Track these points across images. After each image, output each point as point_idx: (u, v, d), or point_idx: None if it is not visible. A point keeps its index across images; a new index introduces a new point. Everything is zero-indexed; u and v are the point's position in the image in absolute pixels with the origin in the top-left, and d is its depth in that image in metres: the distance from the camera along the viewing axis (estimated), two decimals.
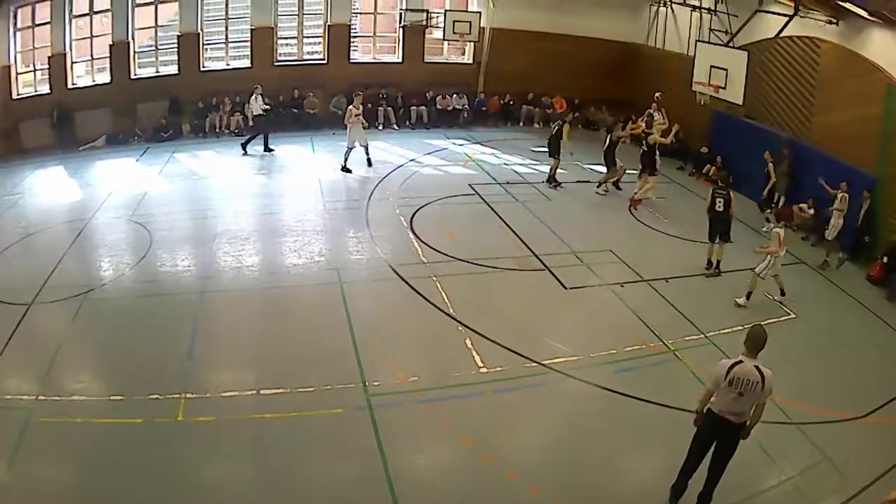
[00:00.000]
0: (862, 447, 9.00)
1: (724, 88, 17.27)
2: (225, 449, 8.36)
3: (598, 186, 18.27)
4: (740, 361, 7.08)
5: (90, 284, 12.05)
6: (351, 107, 18.56)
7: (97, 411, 8.79)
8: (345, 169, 18.86)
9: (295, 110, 22.04)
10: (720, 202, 13.53)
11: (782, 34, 17.23)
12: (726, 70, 17.13)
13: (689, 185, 19.64)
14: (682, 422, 9.17)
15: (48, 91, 20.14)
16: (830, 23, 16.11)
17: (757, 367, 7.01)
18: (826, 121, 16.86)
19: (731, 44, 18.07)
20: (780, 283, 12.75)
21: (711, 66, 17.59)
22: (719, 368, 7.17)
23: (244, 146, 20.25)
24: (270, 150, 20.39)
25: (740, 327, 11.66)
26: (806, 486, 8.27)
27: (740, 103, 17.19)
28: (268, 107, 20.21)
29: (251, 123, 21.02)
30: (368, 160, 19.08)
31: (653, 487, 8.02)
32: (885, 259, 14.11)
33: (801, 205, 16.70)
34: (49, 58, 19.94)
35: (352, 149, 18.79)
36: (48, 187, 17.41)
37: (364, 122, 19.03)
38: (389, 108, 24.23)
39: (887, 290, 13.60)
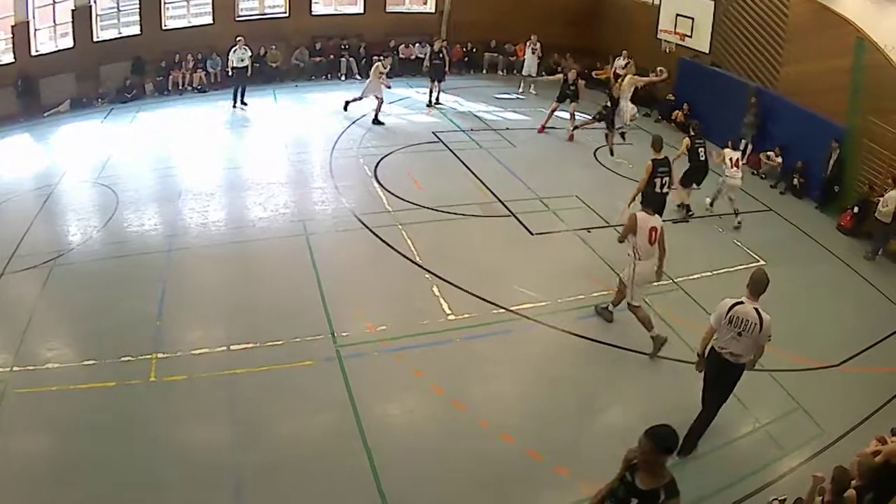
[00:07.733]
0: (836, 396, 9.19)
1: (690, 37, 17.30)
2: (198, 407, 8.39)
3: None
4: (741, 302, 7.21)
5: (58, 250, 11.86)
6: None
7: (71, 378, 8.72)
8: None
9: (257, 64, 21.74)
10: (702, 152, 13.83)
11: None
12: (692, 18, 17.15)
13: (655, 131, 19.54)
14: (649, 365, 9.39)
15: (12, 60, 19.68)
16: None
17: (756, 310, 7.13)
18: (795, 71, 17.02)
19: None
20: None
21: (677, 15, 17.58)
22: (721, 307, 7.32)
23: (235, 101, 20.38)
24: (244, 105, 20.34)
25: (709, 272, 11.94)
26: (780, 434, 8.42)
27: (707, 52, 17.23)
28: (244, 61, 20.10)
29: (230, 75, 20.79)
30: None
31: (623, 433, 8.04)
32: (857, 209, 14.33)
33: (769, 153, 16.90)
34: (12, 27, 19.43)
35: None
36: (13, 156, 16.95)
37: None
38: (352, 59, 24.00)
39: (869, 248, 13.60)
